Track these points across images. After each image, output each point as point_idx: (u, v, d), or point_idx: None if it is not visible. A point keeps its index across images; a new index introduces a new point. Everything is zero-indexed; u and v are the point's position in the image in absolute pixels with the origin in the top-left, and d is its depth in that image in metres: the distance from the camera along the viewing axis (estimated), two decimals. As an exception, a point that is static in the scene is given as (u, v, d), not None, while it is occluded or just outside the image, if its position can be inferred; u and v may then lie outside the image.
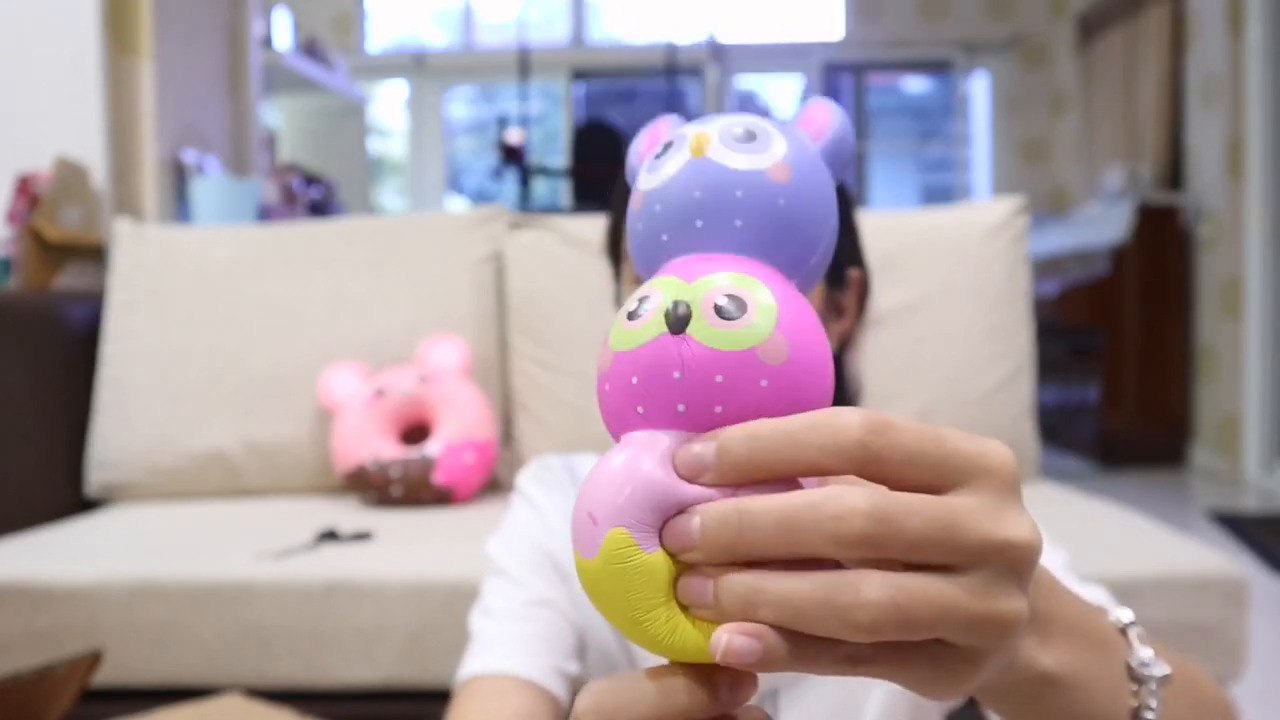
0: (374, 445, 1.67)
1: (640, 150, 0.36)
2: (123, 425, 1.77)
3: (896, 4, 6.36)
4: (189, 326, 1.82)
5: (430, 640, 1.29)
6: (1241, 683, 1.25)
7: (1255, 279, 4.23)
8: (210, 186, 2.60)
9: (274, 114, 4.29)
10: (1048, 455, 4.42)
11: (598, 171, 4.55)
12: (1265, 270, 4.21)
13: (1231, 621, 1.24)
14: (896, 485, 0.29)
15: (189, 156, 2.66)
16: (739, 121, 0.33)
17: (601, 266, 0.98)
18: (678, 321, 0.30)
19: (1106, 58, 5.60)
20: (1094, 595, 0.65)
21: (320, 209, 3.42)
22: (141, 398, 1.78)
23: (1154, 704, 0.39)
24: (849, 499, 0.28)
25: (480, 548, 0.87)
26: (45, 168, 2.26)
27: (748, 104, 7.12)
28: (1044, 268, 5.22)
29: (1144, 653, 0.40)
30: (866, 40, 6.42)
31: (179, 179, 2.63)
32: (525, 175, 4.65)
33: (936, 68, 6.81)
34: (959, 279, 1.68)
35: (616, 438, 0.32)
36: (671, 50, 6.20)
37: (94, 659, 0.97)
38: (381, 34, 7.04)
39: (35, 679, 0.91)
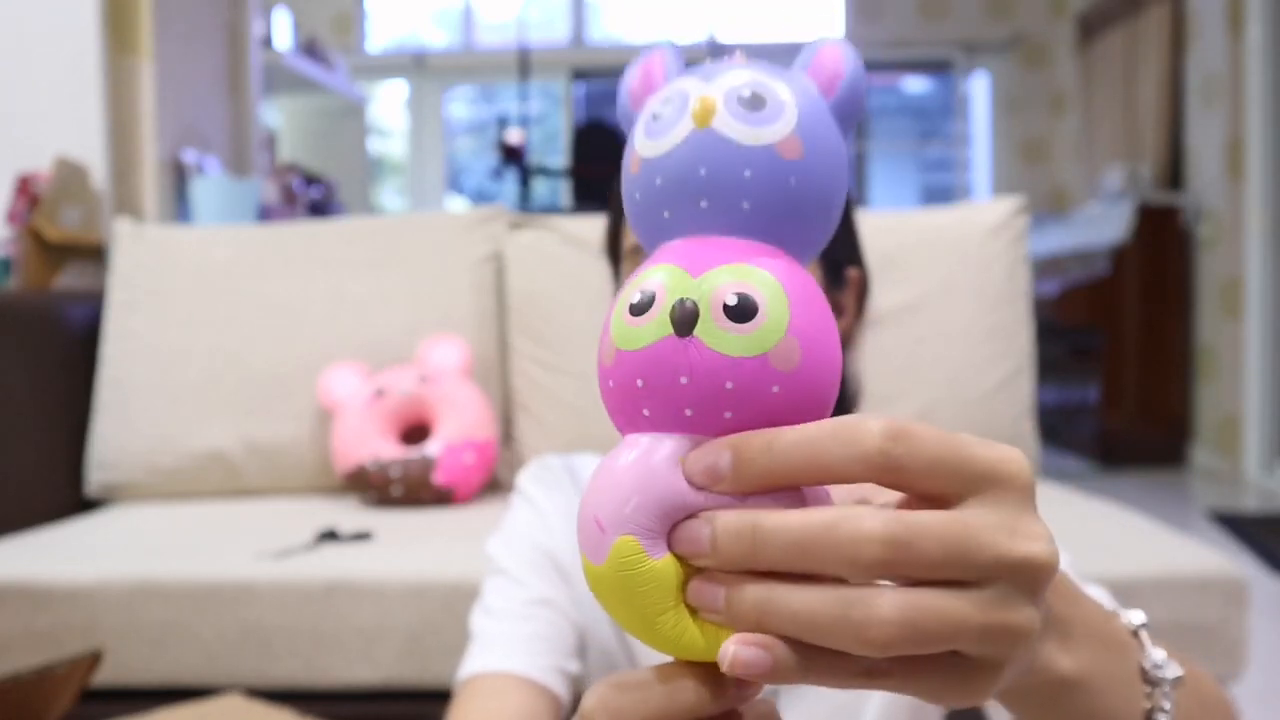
0: (374, 445, 1.67)
1: (633, 88, 0.34)
2: (123, 425, 1.77)
3: (896, 4, 6.36)
4: (189, 326, 1.81)
5: (430, 640, 1.29)
6: (1241, 683, 1.25)
7: (1255, 279, 4.23)
8: (210, 186, 2.60)
9: (274, 114, 4.29)
10: (1048, 455, 4.42)
11: (598, 171, 4.55)
12: (1265, 270, 4.21)
13: (1231, 621, 1.24)
14: (913, 492, 0.29)
15: (189, 156, 2.66)
16: (746, 81, 0.31)
17: (601, 266, 0.98)
18: (684, 323, 0.29)
19: (1106, 58, 5.60)
20: (1095, 595, 0.66)
21: (320, 209, 3.42)
22: (141, 398, 1.78)
23: (1167, 706, 0.39)
24: (865, 525, 0.28)
25: (480, 548, 0.87)
26: (45, 168, 2.26)
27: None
28: (1044, 268, 5.22)
29: (1157, 655, 0.40)
30: (866, 40, 6.42)
31: (179, 179, 2.63)
32: (525, 175, 4.64)
33: (936, 68, 6.80)
34: (959, 279, 1.68)
35: (623, 432, 0.31)
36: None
37: (94, 659, 0.97)
38: (381, 34, 7.04)
39: (35, 679, 0.91)
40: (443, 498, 1.66)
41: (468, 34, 6.89)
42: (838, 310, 0.83)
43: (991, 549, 0.29)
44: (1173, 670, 0.39)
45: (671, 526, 0.29)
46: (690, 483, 0.29)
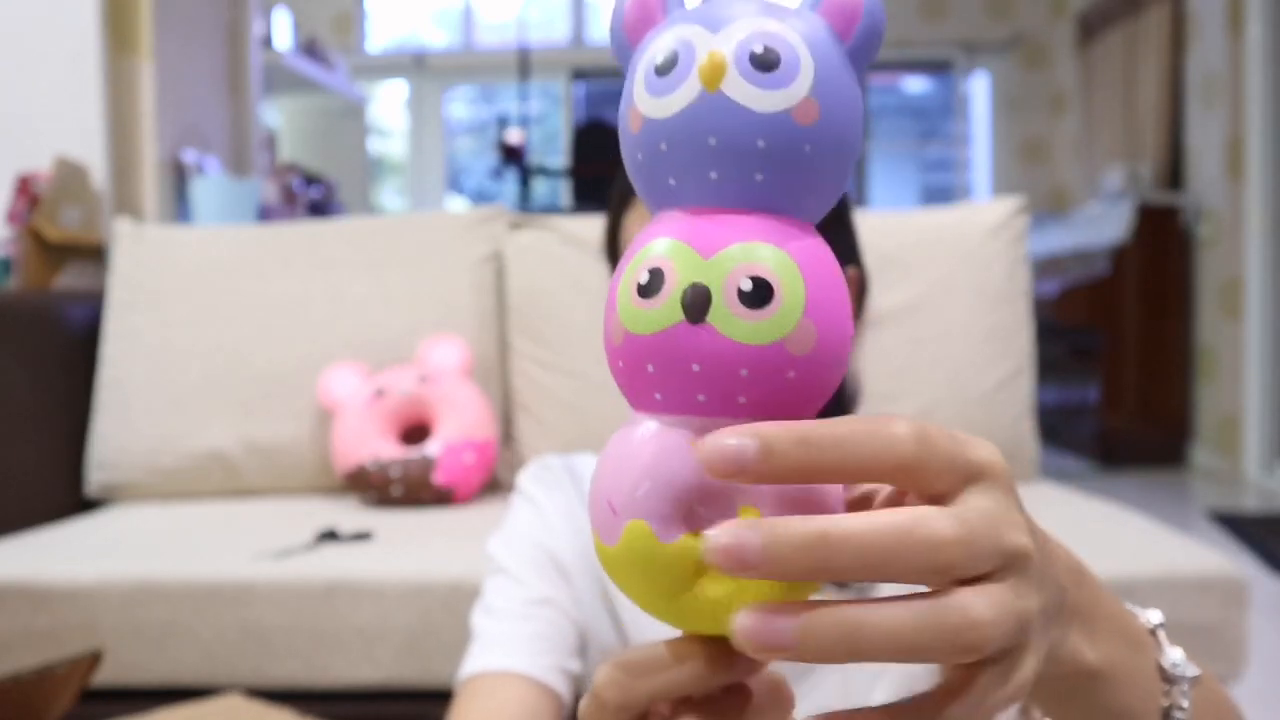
0: (374, 445, 1.67)
1: (629, 18, 0.31)
2: (123, 425, 1.77)
3: (896, 4, 6.36)
4: (189, 326, 1.82)
5: (430, 640, 1.29)
6: (1241, 683, 1.25)
7: (1255, 279, 4.23)
8: (210, 186, 2.60)
9: (274, 114, 4.29)
10: (1048, 455, 4.42)
11: (598, 171, 4.55)
12: (1265, 270, 4.21)
13: (1231, 621, 1.24)
14: (918, 489, 0.30)
15: (189, 156, 2.66)
16: (757, 32, 0.28)
17: (602, 267, 0.98)
18: (696, 309, 0.28)
19: (1106, 58, 5.60)
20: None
21: (320, 209, 3.42)
22: (141, 398, 1.78)
23: (1185, 704, 0.39)
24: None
25: (480, 548, 0.87)
26: (45, 168, 2.26)
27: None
28: (1044, 268, 5.22)
29: (1175, 654, 0.40)
30: (866, 40, 6.41)
31: (179, 179, 2.63)
32: (525, 175, 4.65)
33: (936, 68, 6.81)
34: (959, 279, 1.68)
35: (635, 409, 0.31)
36: (671, 50, 6.18)
37: (94, 659, 0.97)
38: (381, 34, 7.04)
39: (35, 679, 0.91)
40: (443, 498, 1.66)
41: (468, 34, 6.89)
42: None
43: (1011, 541, 0.29)
44: (1190, 669, 0.39)
45: (685, 512, 0.29)
46: (708, 470, 0.27)
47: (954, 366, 1.65)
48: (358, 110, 4.45)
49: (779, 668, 0.32)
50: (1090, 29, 5.81)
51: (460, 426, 1.69)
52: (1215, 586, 1.25)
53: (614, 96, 0.33)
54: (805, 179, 0.29)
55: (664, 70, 0.29)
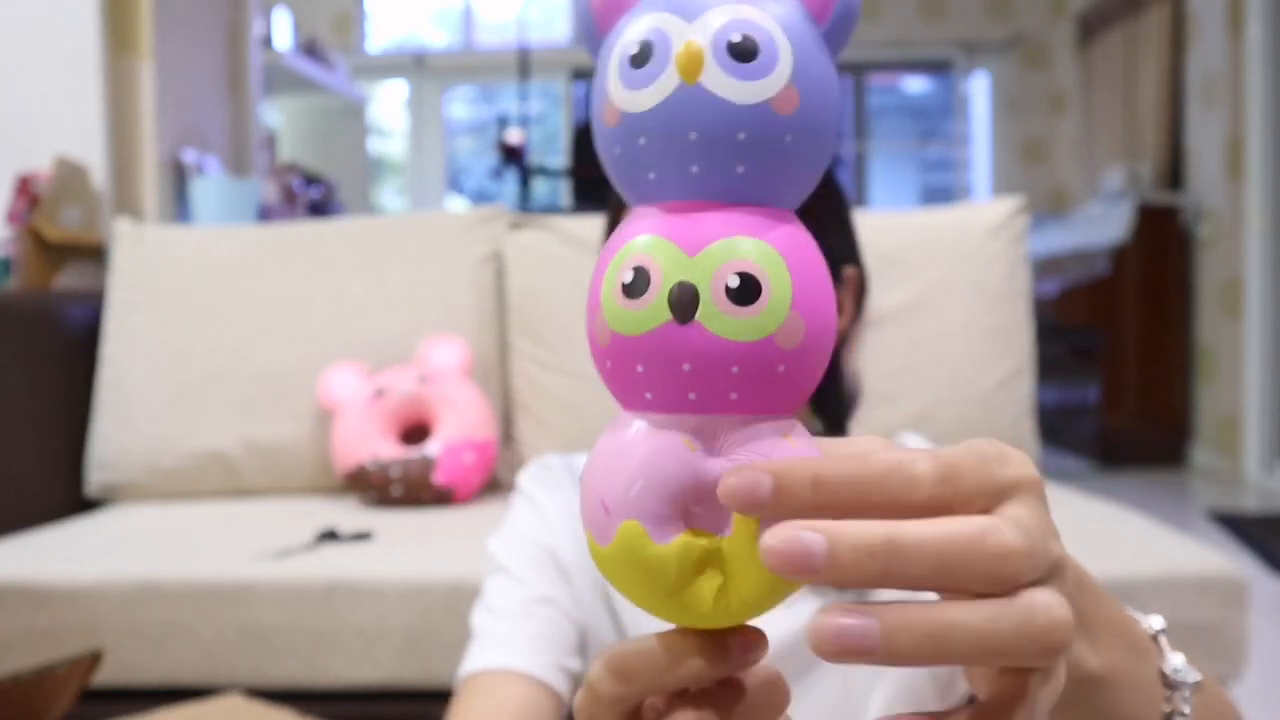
0: (374, 445, 1.67)
1: (595, 1, 0.31)
2: (123, 425, 1.77)
3: (896, 4, 6.36)
4: (189, 326, 1.82)
5: (430, 640, 1.29)
6: (1241, 683, 1.25)
7: (1255, 279, 4.23)
8: (210, 186, 2.60)
9: (274, 114, 4.29)
10: (1048, 455, 4.42)
11: (598, 171, 4.54)
12: (1265, 270, 4.21)
13: (1231, 621, 1.24)
14: (956, 515, 0.29)
15: (189, 156, 2.66)
16: (734, 20, 0.28)
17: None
18: (684, 309, 0.27)
19: (1106, 58, 5.60)
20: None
21: (320, 209, 3.42)
22: (141, 398, 1.78)
23: (1187, 710, 0.39)
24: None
25: (480, 548, 0.87)
26: (45, 168, 2.26)
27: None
28: (1044, 268, 5.22)
29: (1176, 659, 0.40)
30: (866, 40, 6.42)
31: (179, 179, 2.63)
32: (525, 175, 4.64)
33: (936, 68, 6.81)
34: (959, 279, 1.68)
35: (625, 408, 0.30)
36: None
37: (94, 659, 0.97)
38: (381, 34, 7.05)
39: (35, 679, 0.91)
40: (443, 498, 1.66)
41: (468, 34, 6.89)
42: (836, 309, 0.83)
43: (1055, 549, 0.30)
44: (1192, 675, 0.39)
45: (680, 511, 0.29)
46: (725, 504, 0.28)
47: (954, 366, 1.65)
48: (358, 110, 4.45)
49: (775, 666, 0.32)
50: (1090, 29, 5.81)
51: (460, 426, 1.69)
52: (1215, 586, 1.24)
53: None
54: (786, 168, 0.29)
55: (639, 62, 0.28)
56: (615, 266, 0.29)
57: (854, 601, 0.27)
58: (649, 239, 0.29)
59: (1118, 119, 5.41)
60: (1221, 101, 4.47)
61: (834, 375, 0.84)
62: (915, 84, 7.64)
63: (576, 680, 0.78)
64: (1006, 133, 6.38)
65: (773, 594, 0.29)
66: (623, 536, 0.29)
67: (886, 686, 0.75)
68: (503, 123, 5.33)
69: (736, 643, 0.30)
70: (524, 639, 0.76)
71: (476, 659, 0.77)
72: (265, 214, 2.86)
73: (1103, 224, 4.95)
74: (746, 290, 0.27)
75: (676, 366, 0.28)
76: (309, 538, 1.45)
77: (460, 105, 7.84)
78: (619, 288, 0.28)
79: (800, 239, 0.29)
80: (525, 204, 4.68)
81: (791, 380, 0.29)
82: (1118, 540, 1.38)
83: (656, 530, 0.28)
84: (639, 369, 0.29)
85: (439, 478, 1.65)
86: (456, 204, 7.40)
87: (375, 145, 7.09)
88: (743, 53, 0.28)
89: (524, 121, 5.56)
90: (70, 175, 2.28)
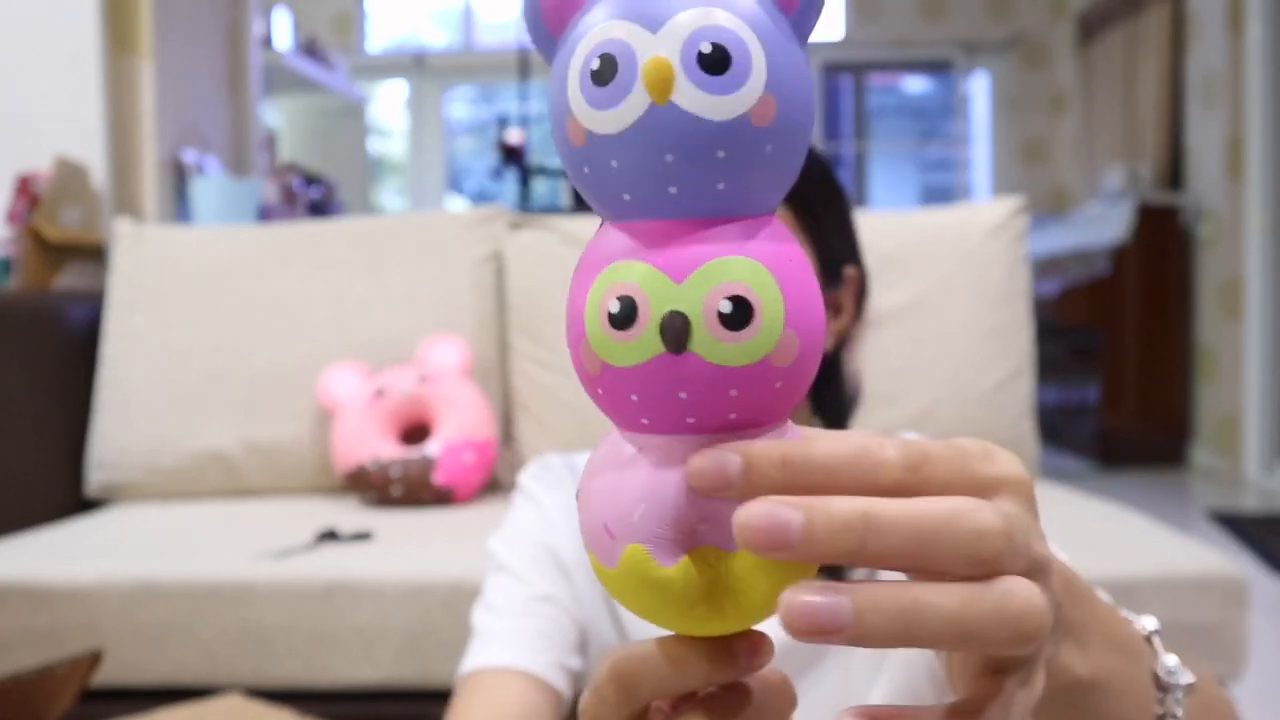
0: (374, 445, 1.67)
1: (545, 2, 0.29)
2: (123, 425, 1.77)
3: (896, 4, 6.36)
4: (189, 326, 1.82)
5: (430, 640, 1.29)
6: (1241, 683, 1.25)
7: (1255, 279, 4.23)
8: (210, 186, 2.60)
9: (274, 114, 4.29)
10: (1048, 455, 4.42)
11: (598, 171, 4.54)
12: (1265, 270, 4.21)
13: (1231, 621, 1.24)
14: None
15: (189, 156, 2.66)
16: (701, 28, 0.26)
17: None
18: (676, 340, 0.26)
19: (1106, 58, 5.60)
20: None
21: (320, 209, 3.42)
22: (141, 398, 1.78)
23: (1179, 712, 0.39)
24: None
25: (480, 548, 0.87)
26: (45, 168, 2.26)
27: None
28: (1044, 268, 5.22)
29: (1169, 660, 0.40)
30: (866, 40, 6.42)
31: (179, 179, 2.63)
32: (525, 175, 4.64)
33: (936, 68, 6.81)
34: (959, 279, 1.68)
35: (621, 430, 0.30)
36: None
37: (94, 659, 0.97)
38: (381, 34, 7.05)
39: (35, 679, 0.91)
40: (443, 498, 1.66)
41: (468, 34, 6.90)
42: (835, 309, 0.83)
43: (1038, 548, 0.29)
44: (1185, 676, 0.39)
45: (684, 533, 0.28)
46: (695, 488, 0.27)
47: (954, 366, 1.65)
48: (358, 110, 4.45)
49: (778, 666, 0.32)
50: (1090, 29, 5.81)
51: (460, 426, 1.69)
52: (1215, 586, 1.24)
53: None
54: (767, 177, 0.28)
55: (603, 79, 0.27)
56: (598, 292, 0.28)
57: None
58: (631, 266, 0.27)
59: (1118, 119, 5.41)
60: (1221, 101, 4.47)
61: (834, 375, 0.84)
62: (915, 84, 7.64)
63: (577, 678, 0.78)
64: (1006, 133, 6.38)
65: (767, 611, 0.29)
66: (628, 560, 0.28)
67: (885, 686, 0.75)
68: (503, 123, 5.33)
69: (743, 648, 0.30)
70: (524, 637, 0.76)
71: (477, 657, 0.77)
72: (265, 214, 2.86)
73: (1103, 224, 4.95)
74: (739, 315, 0.26)
75: (673, 396, 0.27)
76: (309, 538, 1.45)
77: (460, 105, 7.84)
78: (605, 317, 0.27)
79: (785, 248, 0.28)
80: (525, 204, 4.68)
81: (788, 392, 0.28)
82: (1118, 540, 1.38)
83: (661, 553, 0.28)
84: (633, 398, 0.28)
85: (439, 478, 1.65)
86: (456, 204, 7.40)
87: (375, 145, 7.09)
88: (714, 64, 0.26)
89: (524, 121, 5.56)
90: (70, 175, 2.28)
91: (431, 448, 1.67)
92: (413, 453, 1.67)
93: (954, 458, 0.29)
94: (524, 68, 5.15)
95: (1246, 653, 1.26)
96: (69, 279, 2.22)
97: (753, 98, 0.26)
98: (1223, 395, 4.48)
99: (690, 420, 0.28)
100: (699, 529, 0.28)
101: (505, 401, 1.82)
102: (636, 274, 0.27)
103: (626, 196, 0.28)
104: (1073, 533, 1.22)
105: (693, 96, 0.26)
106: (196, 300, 1.83)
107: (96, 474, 1.77)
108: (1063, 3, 6.20)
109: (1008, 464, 0.30)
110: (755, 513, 0.26)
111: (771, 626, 0.30)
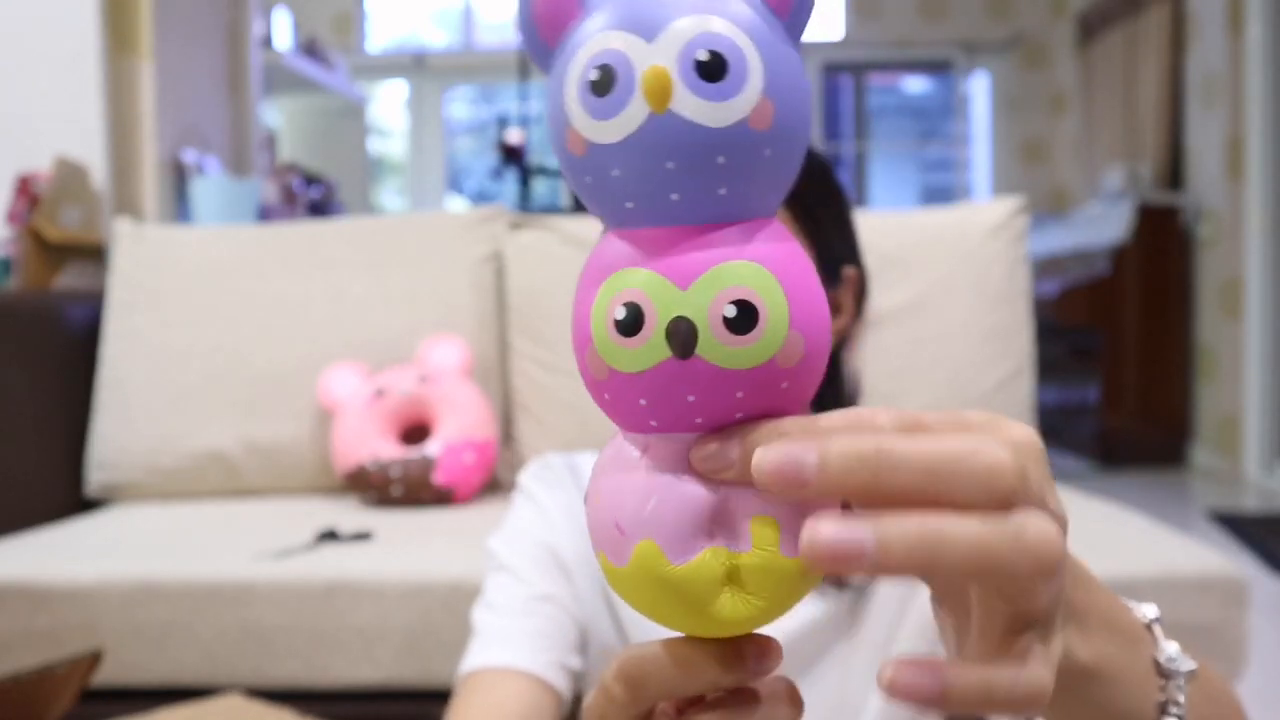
0: (374, 445, 1.67)
1: (538, 10, 0.29)
2: (123, 425, 1.77)
3: (896, 4, 6.36)
4: (189, 326, 1.82)
5: (430, 640, 1.29)
6: (1241, 683, 1.25)
7: (1255, 279, 4.23)
8: (210, 186, 2.60)
9: (274, 114, 4.29)
10: (1048, 455, 4.41)
11: (598, 171, 4.54)
12: (1265, 270, 4.21)
13: (1231, 621, 1.24)
14: None
15: (189, 156, 2.66)
16: (698, 35, 0.26)
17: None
18: (683, 345, 0.27)
19: (1106, 58, 5.60)
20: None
21: (320, 209, 3.42)
22: (141, 398, 1.78)
23: (1181, 699, 0.39)
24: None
25: (480, 547, 0.87)
26: (45, 168, 2.26)
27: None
28: (1044, 268, 5.22)
29: (1170, 648, 0.40)
30: (866, 40, 6.42)
31: (179, 179, 2.63)
32: (525, 175, 4.64)
33: (936, 68, 6.81)
34: (959, 279, 1.68)
35: (628, 432, 0.30)
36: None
37: (94, 659, 0.97)
38: (381, 34, 7.04)
39: (35, 679, 0.91)
40: (443, 498, 1.66)
41: (468, 34, 6.89)
42: (835, 308, 0.83)
43: (1052, 501, 0.30)
44: (1186, 664, 0.39)
45: (695, 530, 0.28)
46: (695, 470, 0.28)
47: (954, 366, 1.65)
48: (358, 110, 4.45)
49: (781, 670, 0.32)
50: (1090, 29, 5.81)
51: (460, 426, 1.69)
52: (1215, 586, 1.25)
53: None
54: (767, 180, 0.28)
55: (601, 90, 0.27)
56: (604, 298, 0.28)
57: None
58: (636, 273, 0.28)
59: (1118, 119, 5.41)
60: (1221, 101, 4.47)
61: (834, 375, 0.84)
62: (915, 84, 7.64)
63: (577, 678, 0.78)
64: (1006, 133, 6.38)
65: (789, 599, 0.29)
66: (639, 557, 0.29)
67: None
68: (503, 123, 5.33)
69: (751, 651, 0.30)
70: (525, 636, 0.76)
71: (477, 656, 0.77)
72: (265, 214, 2.86)
73: (1103, 224, 4.95)
74: (744, 319, 0.27)
75: (681, 399, 0.28)
76: (309, 538, 1.45)
77: (460, 105, 7.84)
78: (611, 324, 0.28)
79: (787, 249, 0.28)
80: (525, 204, 4.68)
81: (795, 391, 0.29)
82: (1118, 540, 1.38)
83: (673, 550, 0.28)
84: (641, 402, 0.28)
85: (439, 478, 1.65)
86: (456, 204, 7.40)
87: (375, 145, 7.09)
88: (711, 71, 0.26)
89: (524, 121, 5.56)
90: (70, 175, 2.28)
91: (431, 448, 1.67)
92: (413, 453, 1.67)
93: (950, 422, 0.29)
94: (524, 68, 5.15)
95: (1246, 653, 1.26)
96: (69, 279, 2.22)
97: (750, 103, 0.27)
98: (1223, 395, 4.48)
99: (698, 421, 0.28)
100: (710, 528, 0.29)
101: (505, 401, 1.82)
102: (641, 281, 0.28)
103: (629, 204, 0.28)
104: (1073, 533, 1.22)
105: (691, 104, 0.26)
106: (196, 300, 1.83)
107: (96, 474, 1.77)
108: (1063, 3, 6.20)
109: (1018, 429, 0.30)
110: (772, 452, 0.26)
111: (774, 630, 0.30)
